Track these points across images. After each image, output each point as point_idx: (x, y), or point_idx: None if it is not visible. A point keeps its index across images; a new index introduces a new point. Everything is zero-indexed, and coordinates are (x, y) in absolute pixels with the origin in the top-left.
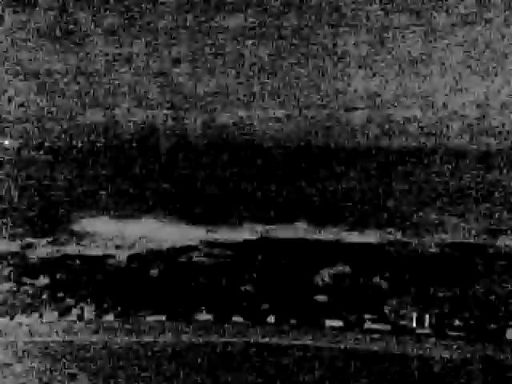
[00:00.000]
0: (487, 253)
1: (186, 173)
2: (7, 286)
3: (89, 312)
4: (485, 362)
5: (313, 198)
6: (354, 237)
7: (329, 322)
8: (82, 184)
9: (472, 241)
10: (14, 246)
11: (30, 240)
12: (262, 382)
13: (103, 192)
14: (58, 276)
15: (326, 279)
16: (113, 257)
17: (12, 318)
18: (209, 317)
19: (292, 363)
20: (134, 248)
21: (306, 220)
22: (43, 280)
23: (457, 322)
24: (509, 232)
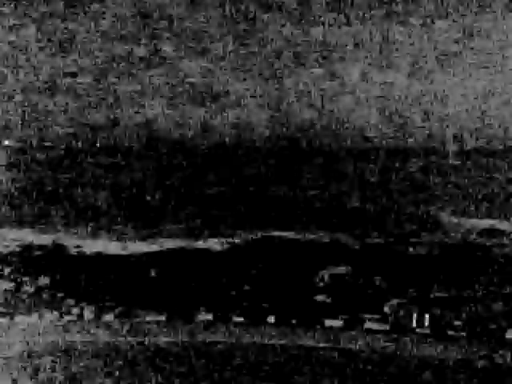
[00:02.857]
0: (487, 252)
1: (186, 175)
2: (7, 285)
3: (89, 312)
4: (485, 362)
5: (312, 199)
6: (353, 238)
7: (329, 322)
8: (82, 184)
9: (472, 241)
10: (14, 246)
11: (30, 240)
12: (261, 382)
13: (104, 193)
14: (57, 276)
15: (326, 279)
16: (113, 257)
17: (12, 318)
18: (209, 317)
19: (292, 363)
20: (134, 248)
21: (305, 220)
22: (43, 280)
23: (457, 322)
24: (508, 231)
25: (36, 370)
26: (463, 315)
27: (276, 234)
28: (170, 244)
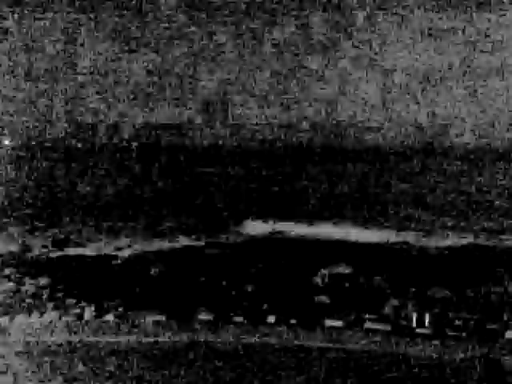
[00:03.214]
0: (487, 253)
1: (187, 173)
2: (7, 285)
3: (89, 312)
4: (485, 362)
5: (313, 197)
6: (354, 236)
7: (329, 322)
8: (82, 184)
9: (472, 241)
10: (14, 246)
11: (30, 240)
12: (261, 382)
13: (104, 193)
14: (58, 276)
15: (326, 279)
16: (113, 257)
17: (12, 318)
18: (209, 317)
19: (292, 363)
20: (134, 248)
21: (307, 220)
22: (43, 280)
23: (457, 322)
24: (509, 232)
25: (36, 370)
26: (463, 315)
27: (276, 233)
28: (170, 244)
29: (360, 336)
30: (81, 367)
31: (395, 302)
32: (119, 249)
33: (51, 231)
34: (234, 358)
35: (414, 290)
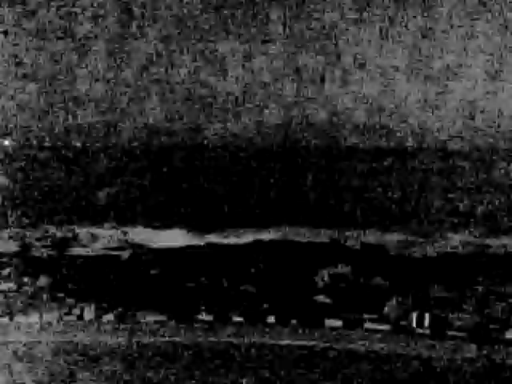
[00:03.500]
0: (487, 253)
1: (188, 175)
2: (7, 286)
3: (89, 312)
4: (485, 362)
5: (312, 198)
6: (354, 238)
7: (329, 322)
8: (82, 185)
9: (472, 241)
10: (14, 246)
11: (30, 240)
12: (261, 382)
13: (104, 194)
14: (58, 276)
15: (326, 279)
16: (113, 257)
17: (12, 318)
18: (209, 317)
19: (292, 363)
20: (135, 248)
21: (304, 220)
22: (43, 280)
23: (457, 322)
24: (509, 232)
25: (36, 371)
26: (463, 315)
27: (276, 235)
28: (171, 244)
29: (360, 336)
30: (81, 367)
31: (395, 302)
32: (119, 249)
33: (51, 231)
34: (234, 358)
35: (414, 289)
